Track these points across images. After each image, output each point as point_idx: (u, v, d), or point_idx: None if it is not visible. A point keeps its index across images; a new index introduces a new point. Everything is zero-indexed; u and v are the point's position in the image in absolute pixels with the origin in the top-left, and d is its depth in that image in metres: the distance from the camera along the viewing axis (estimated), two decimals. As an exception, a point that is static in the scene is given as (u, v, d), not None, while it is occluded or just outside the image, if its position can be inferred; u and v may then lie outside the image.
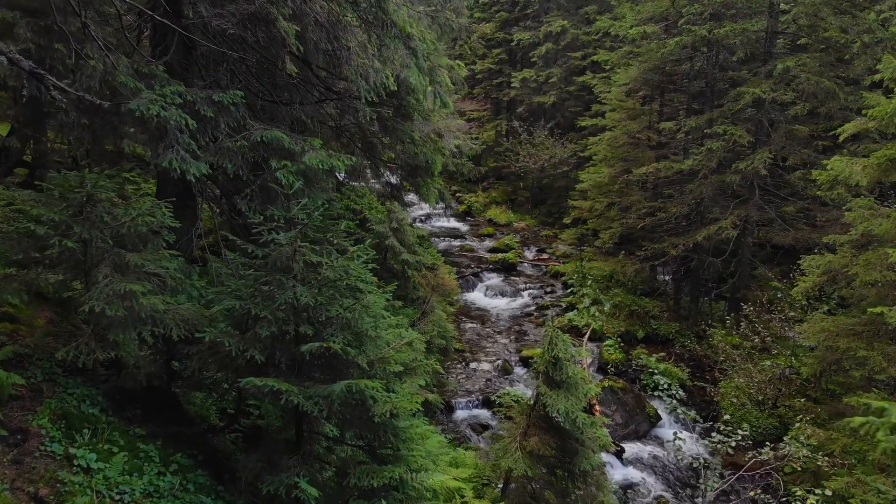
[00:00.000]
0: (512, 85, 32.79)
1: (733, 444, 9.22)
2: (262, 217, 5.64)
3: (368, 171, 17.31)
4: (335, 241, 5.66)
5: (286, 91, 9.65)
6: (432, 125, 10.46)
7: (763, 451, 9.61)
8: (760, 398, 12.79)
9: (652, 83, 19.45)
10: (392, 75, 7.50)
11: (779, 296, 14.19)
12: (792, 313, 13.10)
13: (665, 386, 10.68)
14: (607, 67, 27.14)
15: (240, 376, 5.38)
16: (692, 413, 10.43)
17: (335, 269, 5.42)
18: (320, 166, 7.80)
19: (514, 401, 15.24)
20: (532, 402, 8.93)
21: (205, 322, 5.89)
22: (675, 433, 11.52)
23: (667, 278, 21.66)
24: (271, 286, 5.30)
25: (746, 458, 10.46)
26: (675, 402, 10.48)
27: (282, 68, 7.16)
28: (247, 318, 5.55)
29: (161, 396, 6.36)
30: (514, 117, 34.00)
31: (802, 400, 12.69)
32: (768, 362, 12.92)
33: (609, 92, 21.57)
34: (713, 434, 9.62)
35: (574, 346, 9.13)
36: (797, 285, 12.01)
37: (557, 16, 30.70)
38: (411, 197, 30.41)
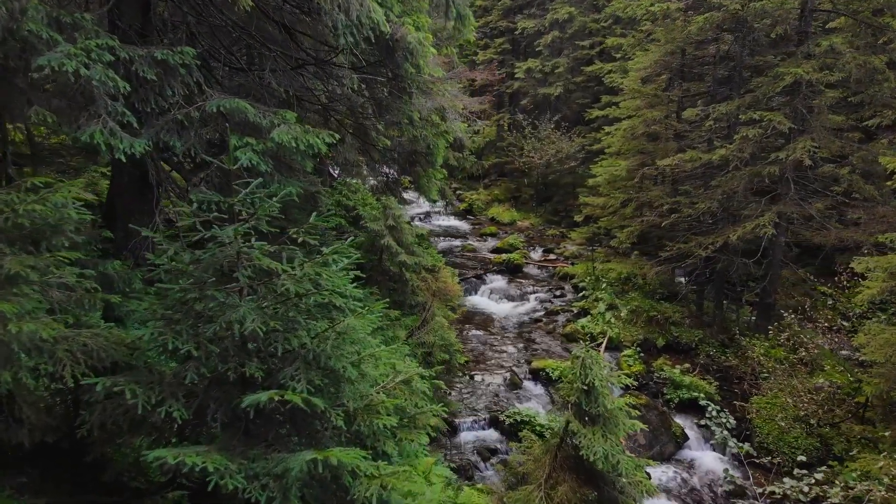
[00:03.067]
0: (516, 76, 31.10)
1: (805, 488, 7.60)
2: (198, 206, 3.93)
3: (365, 167, 15.63)
4: (300, 240, 3.96)
5: (257, 59, 7.98)
6: (434, 100, 8.77)
7: (832, 490, 7.96)
8: (813, 421, 11.12)
9: (673, 68, 17.76)
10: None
11: (829, 302, 12.50)
12: (844, 322, 11.43)
13: (713, 412, 9.05)
14: (618, 56, 25.53)
15: (162, 439, 3.68)
16: (746, 447, 8.81)
17: (300, 281, 3.72)
18: (293, 144, 6.09)
19: (524, 420, 13.61)
20: (558, 440, 7.23)
21: (123, 353, 4.17)
22: (726, 470, 9.84)
23: (682, 280, 20.01)
24: (204, 305, 3.59)
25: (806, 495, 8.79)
26: (725, 432, 8.85)
27: (233, 2, 5.45)
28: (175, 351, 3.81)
29: (67, 451, 4.64)
30: (518, 110, 32.31)
31: (860, 426, 11.03)
32: (821, 380, 11.25)
33: (624, 79, 19.86)
34: (784, 480, 7.97)
35: (609, 366, 7.46)
36: (855, 291, 10.32)
37: (564, 2, 29.01)
38: (410, 195, 28.76)
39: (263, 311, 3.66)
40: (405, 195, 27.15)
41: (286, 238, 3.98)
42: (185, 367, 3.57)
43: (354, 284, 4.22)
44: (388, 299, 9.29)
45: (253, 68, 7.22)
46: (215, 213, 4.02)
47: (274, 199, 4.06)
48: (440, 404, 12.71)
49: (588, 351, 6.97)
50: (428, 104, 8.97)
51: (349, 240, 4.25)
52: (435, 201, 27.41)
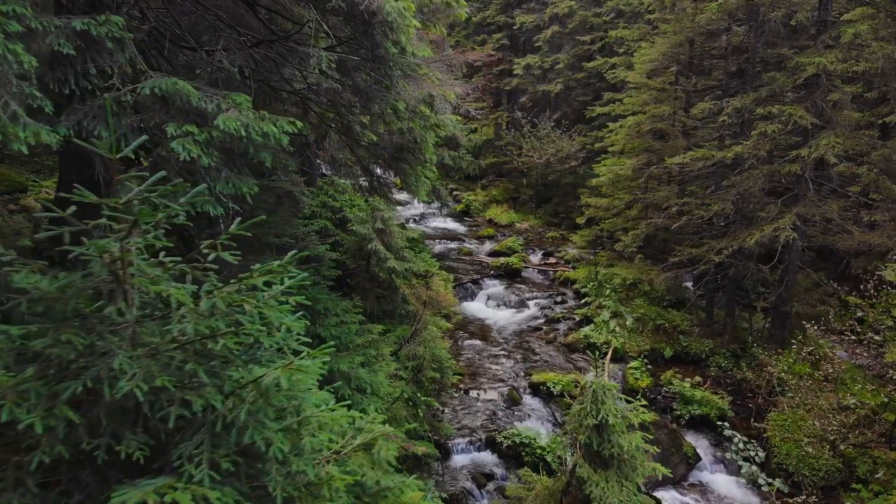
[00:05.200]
0: (514, 73, 30.02)
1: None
2: (75, 207, 2.87)
3: (358, 166, 14.57)
4: (211, 254, 2.88)
5: (217, 38, 6.89)
6: (420, 85, 7.68)
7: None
8: (843, 447, 10.07)
9: (681, 60, 16.70)
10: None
11: (859, 314, 11.44)
12: (875, 336, 10.37)
13: (739, 444, 7.99)
14: (621, 51, 24.52)
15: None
16: (778, 483, 7.75)
17: (207, 316, 2.63)
18: (242, 133, 5.01)
19: (523, 442, 12.48)
20: (564, 483, 6.14)
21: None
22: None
23: (690, 285, 18.96)
24: (58, 352, 2.50)
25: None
26: (754, 467, 7.79)
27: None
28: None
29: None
30: (517, 108, 31.25)
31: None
32: (852, 401, 10.19)
33: (629, 73, 18.79)
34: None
35: (624, 398, 6.37)
36: (890, 302, 9.24)
37: (564, -4, 27.98)
38: (405, 196, 27.65)
39: (155, 361, 2.56)
40: (399, 196, 26.09)
41: (196, 254, 2.89)
42: (35, 441, 2.48)
43: (300, 315, 3.14)
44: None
45: (205, 47, 6.15)
46: (103, 221, 2.93)
47: (182, 199, 2.97)
48: (430, 427, 11.63)
49: (599, 380, 5.88)
50: (415, 93, 7.89)
51: (290, 255, 3.16)
52: (432, 202, 26.35)
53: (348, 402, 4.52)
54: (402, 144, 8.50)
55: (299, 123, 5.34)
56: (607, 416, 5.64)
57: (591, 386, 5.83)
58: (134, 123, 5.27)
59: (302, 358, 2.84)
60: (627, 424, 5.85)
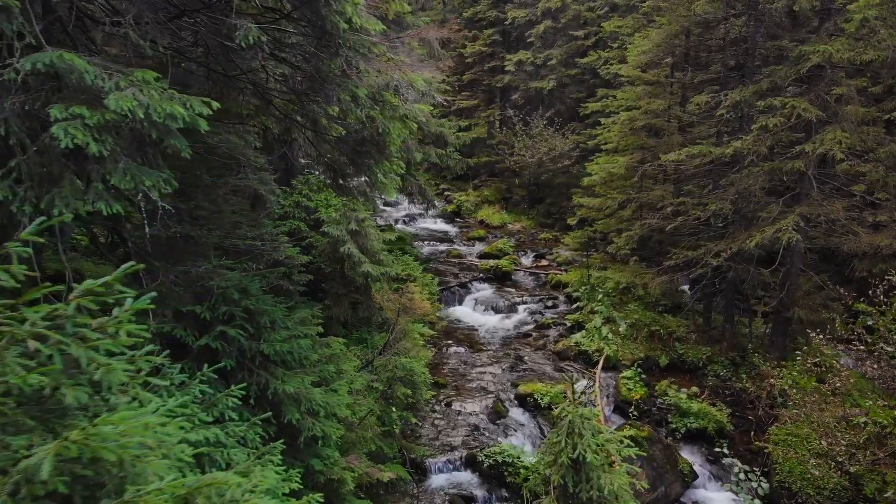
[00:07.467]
0: (506, 69, 29.17)
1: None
2: None
3: (324, 162, 13.77)
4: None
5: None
6: (376, 66, 6.79)
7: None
8: (852, 469, 9.23)
9: (677, 52, 15.86)
10: None
11: (869, 322, 10.59)
12: (888, 347, 9.52)
13: (741, 474, 7.16)
14: (616, 46, 23.69)
15: None
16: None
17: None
18: (141, 115, 4.14)
19: (506, 461, 11.43)
20: (537, 528, 5.26)
21: None
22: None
23: (686, 289, 18.12)
24: None
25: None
26: (756, 501, 6.96)
27: None
28: None
29: None
30: (509, 105, 30.40)
31: None
32: (864, 419, 9.35)
33: (623, 66, 17.94)
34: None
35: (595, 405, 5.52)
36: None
37: (557, -10, 27.12)
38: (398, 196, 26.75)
39: None
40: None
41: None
42: None
43: (149, 349, 2.27)
44: (320, 324, 7.35)
45: (113, 17, 5.28)
46: None
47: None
48: (404, 447, 10.73)
49: (576, 408, 5.01)
50: (378, 79, 7.03)
51: (124, 267, 2.29)
52: (421, 202, 25.43)
53: (260, 462, 3.64)
54: (363, 137, 7.63)
55: (216, 104, 4.47)
56: (585, 451, 4.77)
57: (566, 415, 4.96)
58: (17, 105, 4.39)
59: (110, 416, 1.96)
60: (609, 460, 4.98)
